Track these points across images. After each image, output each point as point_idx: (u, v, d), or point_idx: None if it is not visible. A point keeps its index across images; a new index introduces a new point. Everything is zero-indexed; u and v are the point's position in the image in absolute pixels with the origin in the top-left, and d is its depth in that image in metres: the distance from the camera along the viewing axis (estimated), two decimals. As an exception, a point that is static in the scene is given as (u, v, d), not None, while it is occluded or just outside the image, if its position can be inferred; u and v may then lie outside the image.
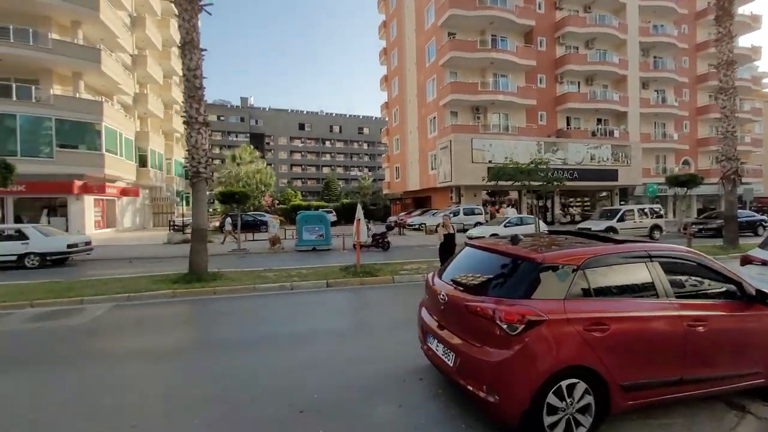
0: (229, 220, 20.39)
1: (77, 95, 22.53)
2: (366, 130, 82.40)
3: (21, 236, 12.22)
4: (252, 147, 50.65)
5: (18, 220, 21.60)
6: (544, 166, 16.62)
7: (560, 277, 3.03)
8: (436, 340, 3.52)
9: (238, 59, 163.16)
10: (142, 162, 30.20)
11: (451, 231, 9.72)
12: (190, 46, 9.31)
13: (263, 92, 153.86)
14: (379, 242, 16.00)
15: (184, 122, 9.34)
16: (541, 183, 16.66)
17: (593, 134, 31.69)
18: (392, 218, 31.56)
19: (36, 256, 12.17)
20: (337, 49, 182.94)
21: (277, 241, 17.06)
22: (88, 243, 13.74)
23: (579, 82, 32.20)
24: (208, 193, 10.33)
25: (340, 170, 79.08)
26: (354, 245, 10.84)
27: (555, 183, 17.09)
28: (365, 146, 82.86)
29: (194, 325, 6.57)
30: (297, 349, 4.86)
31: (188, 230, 18.39)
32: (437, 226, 11.13)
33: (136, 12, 29.49)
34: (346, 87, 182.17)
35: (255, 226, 24.47)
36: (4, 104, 20.17)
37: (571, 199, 31.39)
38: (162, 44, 33.05)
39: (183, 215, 23.05)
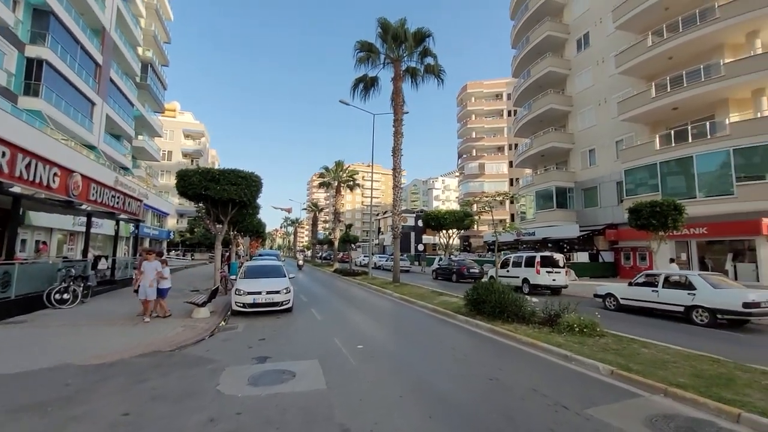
0: None
1: (758, 115, 18.68)
2: None
3: (688, 285, 10.74)
4: None
5: (702, 264, 20.66)
6: None
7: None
8: None
9: None
10: None
11: None
12: None
13: None
14: None
15: None
16: None
17: None
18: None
19: (704, 311, 10.14)
20: None
21: None
22: (775, 303, 9.79)
23: None
24: None
25: None
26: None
27: None
28: None
29: None
30: None
31: None
32: None
33: None
34: None
35: None
36: (680, 149, 20.50)
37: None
38: None
39: None
